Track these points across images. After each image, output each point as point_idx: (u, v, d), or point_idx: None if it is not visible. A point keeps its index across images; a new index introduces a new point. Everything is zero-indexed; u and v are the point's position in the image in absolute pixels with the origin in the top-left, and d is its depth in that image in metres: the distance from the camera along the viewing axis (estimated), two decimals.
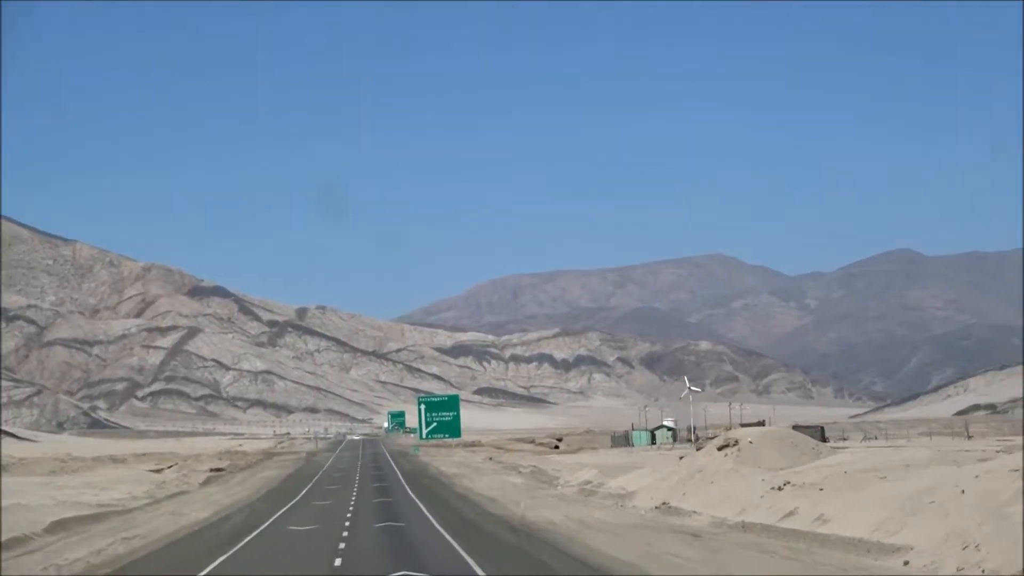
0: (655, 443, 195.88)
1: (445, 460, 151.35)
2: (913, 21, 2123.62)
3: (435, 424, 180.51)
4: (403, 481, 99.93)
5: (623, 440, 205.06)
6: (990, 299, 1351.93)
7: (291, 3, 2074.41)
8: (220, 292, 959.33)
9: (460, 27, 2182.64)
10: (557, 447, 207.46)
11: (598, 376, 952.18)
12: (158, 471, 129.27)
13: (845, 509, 40.09)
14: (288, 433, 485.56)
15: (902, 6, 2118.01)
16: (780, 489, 46.91)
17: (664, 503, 55.53)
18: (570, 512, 57.04)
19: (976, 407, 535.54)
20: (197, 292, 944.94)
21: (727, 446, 57.03)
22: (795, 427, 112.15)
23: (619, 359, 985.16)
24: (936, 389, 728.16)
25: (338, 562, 39.60)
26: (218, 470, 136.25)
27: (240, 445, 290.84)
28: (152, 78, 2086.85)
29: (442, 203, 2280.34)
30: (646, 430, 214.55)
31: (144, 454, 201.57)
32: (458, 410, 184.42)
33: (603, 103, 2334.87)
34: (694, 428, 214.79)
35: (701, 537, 42.97)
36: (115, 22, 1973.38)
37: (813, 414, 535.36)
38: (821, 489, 44.29)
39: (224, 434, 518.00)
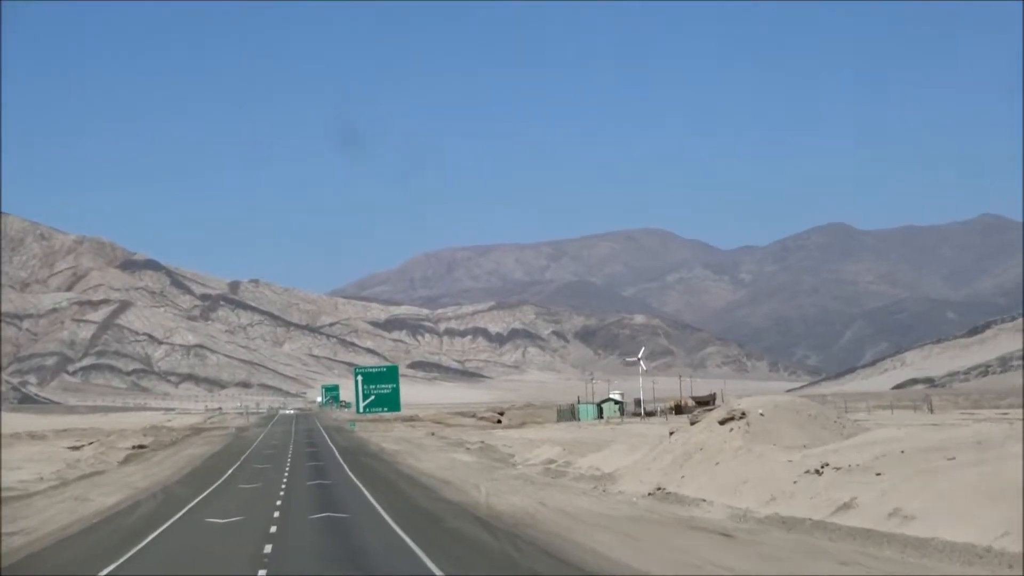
0: (602, 417, 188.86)
1: (384, 435, 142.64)
2: None
3: (373, 397, 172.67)
4: (340, 460, 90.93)
5: (568, 414, 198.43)
6: (923, 273, 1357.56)
7: None
8: (152, 265, 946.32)
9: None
10: (499, 422, 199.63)
11: (532, 350, 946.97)
12: (77, 448, 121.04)
13: (932, 502, 29.95)
14: (219, 408, 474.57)
15: None
16: (818, 473, 36.84)
17: (659, 488, 45.98)
18: (545, 499, 47.56)
19: (914, 381, 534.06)
20: (129, 265, 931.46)
21: (731, 419, 47.54)
22: None
23: (554, 333, 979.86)
24: (873, 363, 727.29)
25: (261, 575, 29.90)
26: (140, 447, 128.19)
27: (169, 420, 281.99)
28: (83, 49, 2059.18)
29: (377, 176, 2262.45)
30: (593, 403, 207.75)
31: (65, 430, 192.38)
32: (397, 382, 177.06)
33: (540, 75, 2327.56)
34: (643, 402, 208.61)
35: (735, 537, 32.84)
36: None
37: (750, 388, 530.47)
38: (878, 474, 34.12)
39: (155, 409, 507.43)
